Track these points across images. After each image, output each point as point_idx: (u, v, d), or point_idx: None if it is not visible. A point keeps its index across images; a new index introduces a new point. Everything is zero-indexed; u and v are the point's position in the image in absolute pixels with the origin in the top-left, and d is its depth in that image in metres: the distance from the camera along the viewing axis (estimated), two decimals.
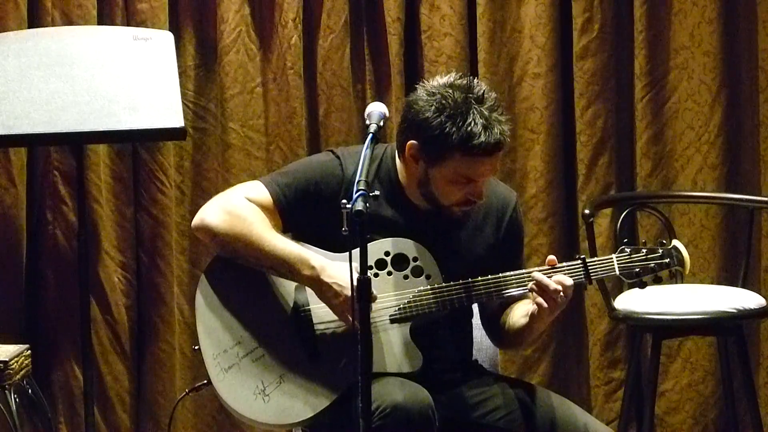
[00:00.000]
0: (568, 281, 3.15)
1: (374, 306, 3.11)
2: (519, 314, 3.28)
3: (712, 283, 4.53)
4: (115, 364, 4.68)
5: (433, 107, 3.15)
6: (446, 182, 3.19)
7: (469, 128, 3.12)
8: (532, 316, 3.18)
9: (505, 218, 3.34)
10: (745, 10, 4.56)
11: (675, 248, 3.24)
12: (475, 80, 3.20)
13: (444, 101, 3.14)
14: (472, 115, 3.12)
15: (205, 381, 3.28)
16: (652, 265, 3.22)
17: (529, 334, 3.26)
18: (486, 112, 3.13)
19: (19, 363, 4.08)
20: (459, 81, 3.18)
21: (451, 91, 3.15)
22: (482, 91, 3.16)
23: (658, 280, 3.24)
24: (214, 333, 3.25)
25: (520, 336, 3.29)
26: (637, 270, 3.22)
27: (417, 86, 3.24)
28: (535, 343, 4.59)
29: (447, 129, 3.13)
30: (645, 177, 4.60)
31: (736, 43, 4.58)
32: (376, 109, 3.16)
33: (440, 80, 3.20)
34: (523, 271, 3.21)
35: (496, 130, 3.13)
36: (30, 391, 4.22)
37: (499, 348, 3.51)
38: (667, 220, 4.46)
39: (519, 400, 3.28)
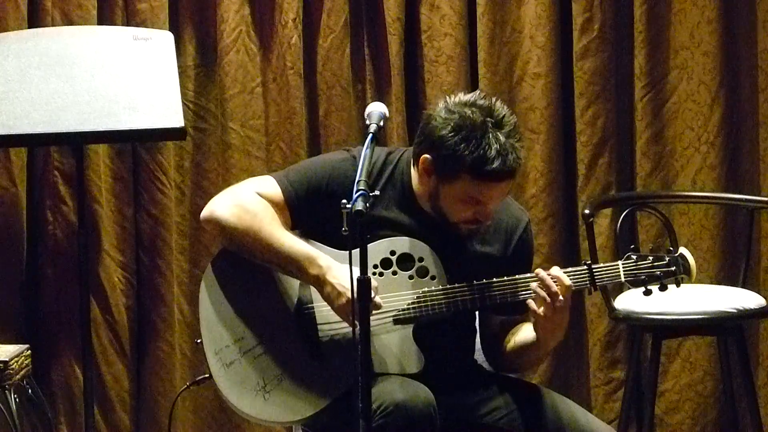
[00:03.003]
0: (567, 281, 3.14)
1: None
2: (524, 332, 3.27)
3: (711, 283, 4.53)
4: (115, 364, 4.68)
5: (450, 126, 3.13)
6: (455, 200, 3.18)
7: (483, 152, 3.10)
8: (536, 327, 3.17)
9: (514, 238, 3.33)
10: (745, 10, 4.56)
11: (681, 256, 3.23)
12: (498, 103, 3.17)
13: (462, 121, 3.12)
14: (487, 139, 3.10)
15: (207, 375, 3.29)
16: (658, 273, 3.21)
17: (535, 350, 3.23)
18: (502, 138, 3.11)
19: (19, 363, 4.08)
20: (481, 101, 3.16)
21: (470, 111, 3.13)
22: (502, 116, 3.14)
23: (663, 288, 3.23)
24: (217, 328, 3.25)
25: (525, 353, 3.27)
26: (643, 277, 3.21)
27: (439, 100, 3.22)
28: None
29: (461, 150, 3.11)
30: (645, 177, 4.60)
31: (736, 43, 4.58)
32: (376, 109, 3.16)
33: (462, 98, 3.18)
34: (528, 275, 3.20)
35: (510, 157, 3.11)
36: (30, 391, 4.22)
37: (498, 371, 3.43)
38: (666, 220, 4.46)
39: (520, 400, 3.28)
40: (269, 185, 3.28)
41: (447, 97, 3.22)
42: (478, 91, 3.23)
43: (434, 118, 3.17)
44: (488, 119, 3.12)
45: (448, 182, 3.16)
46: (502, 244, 3.31)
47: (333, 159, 3.33)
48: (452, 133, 3.13)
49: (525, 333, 3.26)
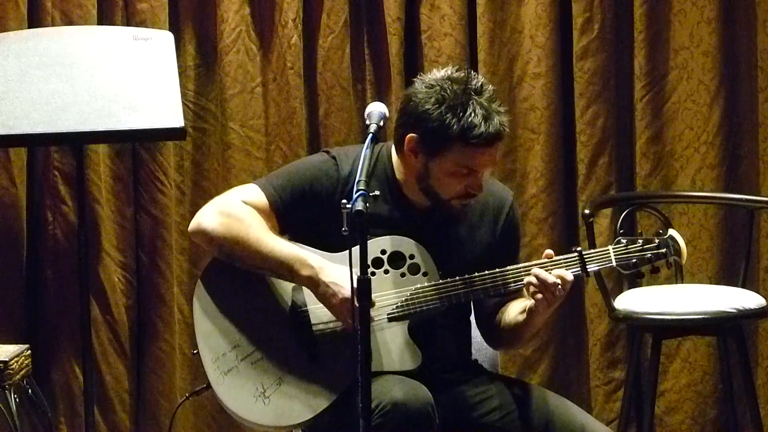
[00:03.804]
0: (569, 276, 3.15)
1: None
2: (515, 311, 3.28)
3: (710, 283, 4.53)
4: (115, 364, 4.68)
5: (433, 99, 3.15)
6: (446, 174, 3.19)
7: (470, 119, 3.12)
8: (530, 312, 3.18)
9: (501, 217, 3.34)
10: (745, 10, 4.56)
11: (671, 237, 3.24)
12: (472, 72, 3.21)
13: (443, 93, 3.15)
14: (471, 105, 3.13)
15: (205, 385, 3.28)
16: (649, 255, 3.22)
17: (526, 330, 3.25)
18: (485, 103, 3.15)
19: (19, 363, 4.09)
20: (456, 74, 3.19)
21: (449, 83, 3.16)
22: (480, 83, 3.18)
23: (655, 271, 3.23)
24: (212, 337, 3.25)
25: (518, 333, 3.28)
26: (634, 260, 3.22)
27: (414, 80, 3.24)
28: (532, 342, 4.57)
29: (447, 120, 3.13)
30: (645, 177, 4.60)
31: (736, 43, 4.58)
32: (376, 109, 3.16)
33: (438, 73, 3.21)
34: (521, 265, 3.21)
35: (495, 120, 3.14)
36: (30, 391, 4.22)
37: (496, 349, 3.50)
38: (666, 219, 4.46)
39: (517, 400, 3.28)
40: (254, 192, 3.29)
41: (421, 75, 3.24)
42: (450, 66, 3.25)
43: (414, 95, 3.19)
44: (468, 87, 3.15)
45: (438, 156, 3.17)
46: (490, 225, 3.33)
47: (314, 161, 3.34)
48: (436, 105, 3.15)
49: (516, 312, 3.27)
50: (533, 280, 3.14)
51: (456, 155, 3.16)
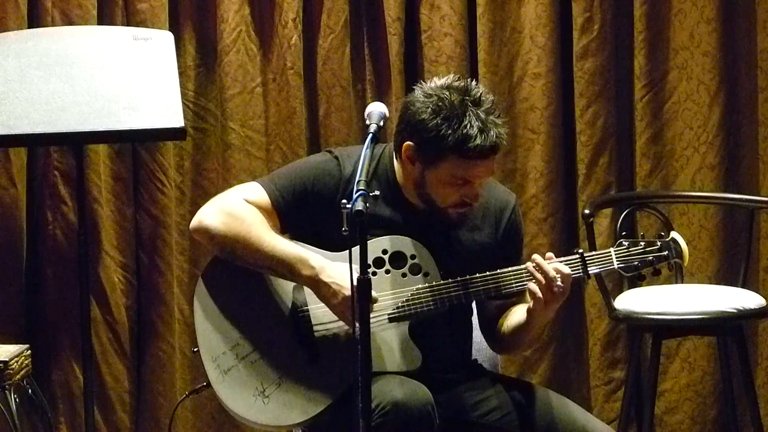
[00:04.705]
0: (566, 269, 3.14)
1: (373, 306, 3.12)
2: (517, 316, 3.28)
3: (711, 283, 4.53)
4: (115, 364, 4.68)
5: (430, 109, 3.15)
6: (441, 184, 3.19)
7: (465, 131, 3.11)
8: (530, 311, 3.18)
9: (503, 220, 3.34)
10: (744, 10, 4.56)
11: (673, 240, 3.24)
12: (473, 82, 3.20)
13: (440, 103, 3.14)
14: (468, 117, 3.12)
15: (205, 383, 3.28)
16: (651, 258, 3.22)
17: (526, 332, 3.25)
18: (482, 115, 3.13)
19: (19, 363, 4.09)
20: (456, 83, 3.18)
21: (447, 93, 3.15)
22: (479, 94, 3.16)
23: (657, 273, 3.23)
24: (213, 336, 3.25)
25: (519, 336, 3.28)
26: (636, 263, 3.22)
27: (414, 87, 3.24)
28: (534, 345, 4.57)
29: (443, 131, 3.13)
30: (644, 177, 4.60)
31: (735, 43, 4.59)
32: (376, 109, 3.16)
33: (438, 82, 3.20)
34: (521, 267, 3.21)
35: (492, 133, 3.13)
36: (30, 391, 4.22)
37: (498, 353, 3.50)
38: (666, 219, 4.46)
39: (518, 400, 3.29)
40: (256, 191, 3.29)
41: (422, 83, 3.23)
42: (452, 74, 3.24)
43: (412, 104, 3.19)
44: (466, 98, 3.14)
45: (433, 166, 3.17)
46: (492, 228, 3.32)
47: (316, 161, 3.34)
48: (432, 116, 3.14)
49: (518, 315, 3.27)
50: (532, 269, 3.12)
51: (451, 166, 3.15)
